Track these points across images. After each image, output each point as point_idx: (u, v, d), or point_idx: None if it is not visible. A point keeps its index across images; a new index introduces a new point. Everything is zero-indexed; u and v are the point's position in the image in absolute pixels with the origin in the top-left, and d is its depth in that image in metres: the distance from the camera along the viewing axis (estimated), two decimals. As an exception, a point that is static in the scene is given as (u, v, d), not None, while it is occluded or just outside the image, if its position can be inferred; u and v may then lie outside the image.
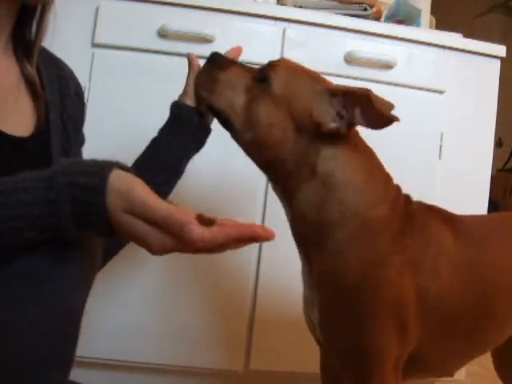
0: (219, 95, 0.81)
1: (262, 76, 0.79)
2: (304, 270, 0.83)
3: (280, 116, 0.76)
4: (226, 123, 0.81)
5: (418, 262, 0.77)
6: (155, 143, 0.97)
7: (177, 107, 0.95)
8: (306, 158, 0.76)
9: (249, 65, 0.85)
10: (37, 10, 0.76)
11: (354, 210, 0.76)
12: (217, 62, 0.84)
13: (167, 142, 0.95)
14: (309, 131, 0.76)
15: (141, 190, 0.53)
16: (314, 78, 0.80)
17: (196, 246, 0.52)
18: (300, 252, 0.83)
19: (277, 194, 0.83)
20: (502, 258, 0.84)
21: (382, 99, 0.73)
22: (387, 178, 0.82)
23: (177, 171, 0.95)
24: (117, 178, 0.54)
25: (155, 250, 0.54)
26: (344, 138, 0.76)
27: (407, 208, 0.81)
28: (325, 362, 0.93)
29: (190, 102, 0.93)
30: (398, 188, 0.83)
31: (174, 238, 0.53)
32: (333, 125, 0.75)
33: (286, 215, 0.83)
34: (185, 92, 0.95)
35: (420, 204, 0.84)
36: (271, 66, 0.80)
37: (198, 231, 0.51)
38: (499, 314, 0.83)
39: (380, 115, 0.71)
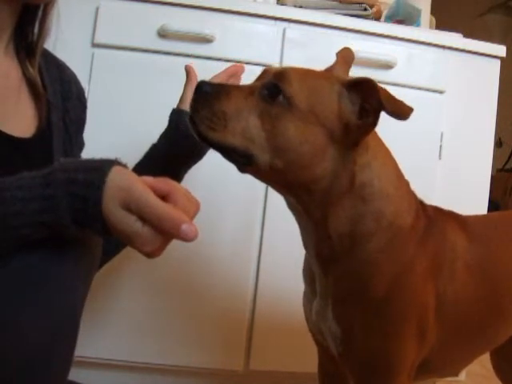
0: (231, 132, 0.67)
1: (272, 92, 0.68)
2: (319, 282, 0.78)
3: (310, 130, 0.68)
4: (245, 161, 0.69)
5: (438, 267, 0.76)
6: (154, 150, 0.97)
7: (175, 115, 0.96)
8: (343, 171, 0.70)
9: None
10: (39, 11, 0.76)
11: (389, 219, 0.72)
12: (209, 92, 0.69)
13: (165, 150, 0.95)
14: (341, 139, 0.69)
15: (140, 187, 0.54)
16: (326, 77, 0.74)
17: (188, 241, 0.52)
18: (317, 269, 0.78)
19: (299, 214, 0.76)
20: (509, 258, 0.84)
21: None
22: (407, 182, 0.79)
23: (175, 180, 0.95)
24: (117, 174, 0.54)
25: (147, 249, 0.54)
26: (371, 141, 0.72)
27: (426, 213, 0.79)
28: (325, 367, 0.92)
29: (188, 109, 0.94)
30: (415, 193, 0.80)
31: (164, 237, 0.53)
32: (358, 121, 0.70)
33: (305, 236, 0.77)
34: (182, 100, 0.96)
35: (433, 207, 0.82)
36: (280, 78, 0.69)
37: (194, 230, 0.52)
38: (507, 311, 0.83)
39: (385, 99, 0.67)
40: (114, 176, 0.53)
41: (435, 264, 0.75)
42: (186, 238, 0.52)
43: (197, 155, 0.99)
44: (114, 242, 0.79)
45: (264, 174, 0.70)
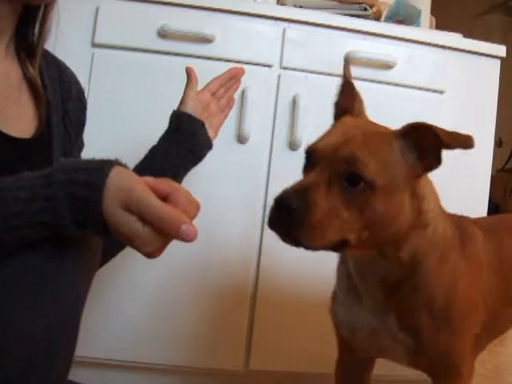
0: (329, 233, 0.69)
1: (353, 181, 0.69)
2: (375, 301, 0.82)
3: (393, 198, 0.72)
4: (343, 245, 0.72)
5: (477, 267, 0.85)
6: (153, 151, 0.97)
7: (175, 116, 0.96)
8: (415, 207, 0.75)
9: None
10: (39, 11, 0.75)
11: (440, 236, 0.80)
12: (287, 202, 0.69)
13: (165, 151, 0.95)
14: (410, 184, 0.74)
15: (140, 187, 0.54)
16: (383, 139, 0.74)
17: (188, 242, 0.53)
18: (373, 291, 0.81)
19: (365, 256, 0.79)
20: None
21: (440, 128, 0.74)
22: (438, 195, 0.84)
23: (176, 178, 0.95)
24: (117, 174, 0.54)
25: (146, 250, 0.54)
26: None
27: (454, 222, 0.86)
28: (344, 366, 0.99)
29: (188, 111, 0.95)
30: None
31: (164, 237, 0.53)
32: (421, 164, 0.74)
33: (368, 269, 0.80)
34: (183, 102, 0.97)
35: (454, 215, 0.90)
36: (351, 164, 0.69)
37: (193, 230, 0.53)
38: None
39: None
40: (115, 176, 0.53)
41: (474, 265, 0.85)
42: (186, 239, 0.53)
43: (197, 157, 0.99)
44: (115, 243, 0.79)
45: (355, 246, 0.73)
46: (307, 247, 0.70)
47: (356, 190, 0.69)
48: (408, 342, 0.81)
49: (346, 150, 0.70)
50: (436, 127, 0.71)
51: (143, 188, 0.54)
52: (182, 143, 0.95)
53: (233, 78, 1.05)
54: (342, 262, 0.88)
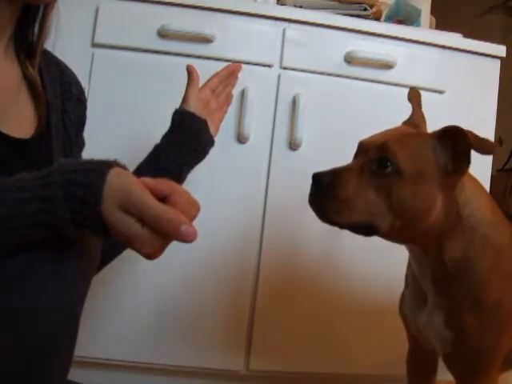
0: (355, 211, 0.76)
1: (381, 165, 0.77)
2: (430, 298, 0.87)
3: (420, 189, 0.77)
4: (371, 230, 0.78)
5: None
6: (157, 150, 0.97)
7: (178, 114, 0.97)
8: (451, 210, 0.79)
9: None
10: (39, 11, 0.75)
11: (492, 242, 0.82)
12: (327, 182, 0.77)
13: (169, 150, 0.96)
14: (444, 185, 0.78)
15: (139, 188, 0.53)
16: (419, 136, 0.82)
17: (187, 242, 0.53)
18: (427, 287, 0.87)
19: (414, 252, 0.85)
20: None
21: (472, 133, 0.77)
22: (494, 201, 0.87)
23: (178, 180, 0.95)
24: (116, 176, 0.54)
25: (146, 251, 0.54)
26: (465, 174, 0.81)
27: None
28: (414, 355, 1.02)
29: (191, 109, 0.95)
30: (498, 207, 0.88)
31: (163, 238, 0.53)
32: (452, 165, 0.78)
33: (421, 265, 0.86)
34: (185, 100, 0.97)
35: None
36: (382, 151, 0.77)
37: (193, 231, 0.52)
38: None
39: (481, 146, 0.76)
40: (113, 177, 0.53)
41: None
42: (185, 239, 0.52)
43: (200, 155, 0.99)
44: (115, 245, 0.79)
45: (388, 234, 0.79)
46: (336, 223, 0.77)
47: (384, 174, 0.76)
48: (448, 338, 0.84)
49: (381, 141, 0.79)
50: (468, 132, 0.76)
51: (141, 189, 0.53)
52: (186, 142, 0.95)
53: (231, 75, 1.06)
54: (409, 267, 0.93)
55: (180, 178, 0.96)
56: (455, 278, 0.82)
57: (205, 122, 0.99)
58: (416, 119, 0.91)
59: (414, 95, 0.94)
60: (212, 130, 1.01)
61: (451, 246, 0.81)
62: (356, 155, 0.83)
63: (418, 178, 0.76)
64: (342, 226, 0.78)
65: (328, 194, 0.76)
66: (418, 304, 0.90)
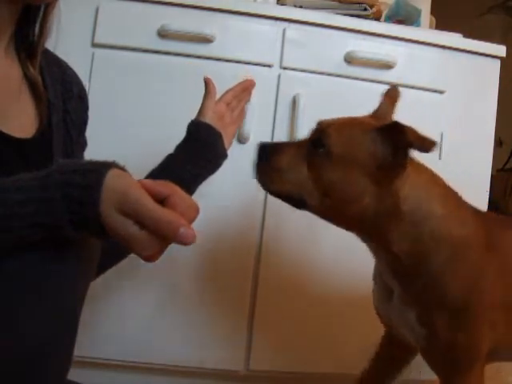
0: (286, 182, 0.82)
1: (316, 144, 0.81)
2: (397, 293, 0.87)
3: (349, 173, 0.79)
4: (300, 204, 0.82)
5: (501, 267, 0.85)
6: (170, 159, 0.97)
7: (194, 125, 0.97)
8: (386, 202, 0.80)
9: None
10: (40, 11, 0.75)
11: (444, 235, 0.82)
12: (267, 152, 0.84)
13: (183, 161, 0.95)
14: (379, 176, 0.79)
15: (137, 190, 0.53)
16: (359, 124, 0.84)
17: (186, 245, 0.52)
18: (392, 282, 0.87)
19: (368, 243, 0.87)
20: None
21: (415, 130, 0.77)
22: (456, 195, 0.88)
23: (188, 190, 0.94)
24: (114, 177, 0.53)
25: (145, 253, 0.54)
26: (409, 168, 0.80)
27: (482, 221, 0.87)
28: (384, 350, 1.02)
29: (208, 121, 0.95)
30: (466, 203, 0.89)
31: (162, 240, 0.53)
32: (391, 158, 0.79)
33: (378, 258, 0.88)
34: (202, 112, 0.97)
35: (484, 213, 0.93)
36: (319, 131, 0.82)
37: (192, 233, 0.52)
38: None
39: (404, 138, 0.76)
40: (111, 179, 0.53)
41: (499, 265, 0.85)
42: (184, 242, 0.52)
43: (213, 166, 1.00)
44: (115, 250, 0.79)
45: (317, 211, 0.83)
46: (267, 188, 0.84)
47: (317, 153, 0.80)
48: (422, 334, 0.84)
49: (322, 125, 0.84)
50: (409, 129, 0.76)
51: (139, 191, 0.53)
52: (201, 153, 0.95)
53: (245, 90, 1.06)
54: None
55: (191, 188, 0.96)
56: (414, 273, 0.82)
57: (220, 135, 0.99)
58: (382, 113, 0.90)
59: (393, 94, 0.94)
60: (226, 143, 1.01)
61: (395, 239, 0.81)
62: (309, 134, 0.86)
63: (348, 164, 0.78)
64: (275, 194, 0.83)
65: (266, 163, 0.83)
66: (387, 299, 0.90)
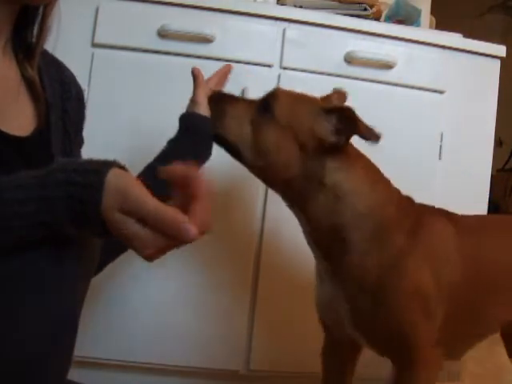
0: (228, 127, 0.88)
1: (265, 106, 0.86)
2: (326, 270, 0.89)
3: (286, 140, 0.84)
4: (235, 153, 0.88)
5: (430, 253, 0.86)
6: (169, 154, 0.95)
7: (189, 117, 0.96)
8: (314, 173, 0.84)
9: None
10: (39, 12, 0.75)
11: (364, 214, 0.84)
12: (222, 99, 0.92)
13: (183, 153, 0.94)
14: (313, 149, 0.83)
15: (137, 189, 0.53)
16: (309, 100, 0.89)
17: (188, 242, 0.52)
18: (317, 255, 0.90)
19: (292, 209, 0.90)
20: (498, 249, 0.95)
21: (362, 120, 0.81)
22: (387, 182, 0.90)
23: None
24: (115, 176, 0.53)
25: (147, 252, 0.53)
26: (343, 149, 0.85)
27: (413, 207, 0.90)
28: (329, 350, 1.01)
29: (201, 111, 0.95)
30: (399, 191, 0.91)
31: (165, 237, 0.53)
32: (332, 138, 0.83)
33: (302, 226, 0.90)
34: (195, 102, 0.96)
35: (423, 205, 0.93)
36: (271, 96, 0.87)
37: (194, 230, 0.52)
38: (500, 296, 0.94)
39: (356, 124, 0.80)
40: (112, 178, 0.53)
41: (428, 251, 0.86)
42: (186, 238, 0.52)
43: (209, 155, 0.98)
44: (113, 246, 0.79)
45: (250, 168, 0.88)
46: (214, 131, 0.90)
47: (263, 114, 0.85)
48: (348, 312, 0.85)
49: (277, 90, 0.89)
50: (358, 117, 0.80)
51: (139, 189, 0.53)
52: (200, 142, 0.95)
53: (226, 75, 1.08)
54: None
55: None
56: (336, 249, 0.84)
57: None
58: (330, 97, 0.97)
59: (340, 96, 1.00)
60: None
61: (315, 209, 0.84)
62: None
63: (287, 133, 0.83)
64: (219, 138, 0.89)
65: (218, 106, 0.90)
66: (320, 280, 0.92)
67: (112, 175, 0.53)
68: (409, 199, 0.92)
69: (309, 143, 0.83)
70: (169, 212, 0.52)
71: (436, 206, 0.95)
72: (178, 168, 0.56)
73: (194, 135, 0.95)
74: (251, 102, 0.91)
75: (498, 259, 0.93)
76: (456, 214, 0.95)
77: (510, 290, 0.94)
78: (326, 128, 0.83)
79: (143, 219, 0.52)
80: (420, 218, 0.88)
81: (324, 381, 1.01)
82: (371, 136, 0.79)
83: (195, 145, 0.95)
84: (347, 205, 0.84)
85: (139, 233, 0.52)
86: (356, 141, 0.85)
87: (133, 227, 0.52)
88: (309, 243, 0.90)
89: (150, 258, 0.54)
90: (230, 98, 0.92)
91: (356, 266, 0.83)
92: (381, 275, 0.82)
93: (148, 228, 0.52)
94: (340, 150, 0.84)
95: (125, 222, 0.52)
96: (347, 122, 0.81)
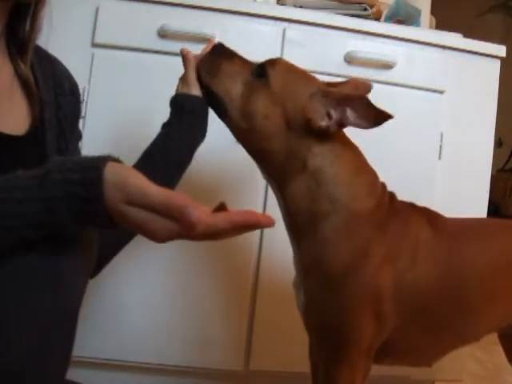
0: (219, 82, 0.86)
1: (261, 72, 0.84)
2: (295, 257, 0.89)
3: (275, 110, 0.82)
4: (221, 110, 0.86)
5: (397, 253, 0.82)
6: (165, 138, 0.94)
7: (182, 99, 0.94)
8: (297, 153, 0.82)
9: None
10: (31, 8, 0.75)
11: (341, 203, 0.82)
12: (220, 52, 0.89)
13: (178, 136, 0.93)
14: (301, 127, 0.81)
15: (137, 179, 0.54)
16: (309, 78, 0.86)
17: (195, 228, 0.52)
18: (291, 240, 0.88)
19: (270, 184, 0.89)
20: (475, 257, 0.88)
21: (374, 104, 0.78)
22: (373, 174, 0.88)
23: (186, 163, 0.95)
24: (112, 171, 0.54)
25: (159, 236, 0.54)
26: (332, 136, 0.82)
27: (392, 204, 0.87)
28: (314, 350, 0.98)
29: (194, 91, 0.92)
30: (383, 185, 0.88)
31: (175, 222, 0.53)
32: (323, 123, 0.80)
33: (279, 205, 0.88)
34: (186, 83, 0.93)
35: (406, 203, 0.90)
36: (270, 63, 0.85)
37: (196, 213, 0.52)
38: (473, 306, 0.87)
39: (378, 113, 0.77)
40: (110, 172, 0.54)
41: (394, 250, 0.82)
42: (192, 221, 0.52)
43: (204, 130, 0.97)
44: (116, 240, 0.79)
45: (234, 131, 0.87)
46: (204, 82, 0.89)
47: (257, 79, 0.84)
48: (303, 304, 0.85)
49: (279, 60, 0.87)
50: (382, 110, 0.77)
51: (139, 179, 0.54)
52: (195, 122, 0.93)
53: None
54: None
55: (189, 161, 0.95)
56: (305, 230, 0.83)
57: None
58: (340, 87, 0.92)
59: (362, 86, 0.94)
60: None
61: (293, 190, 0.83)
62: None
63: (278, 100, 0.82)
64: (207, 91, 0.88)
65: (213, 58, 0.88)
66: (296, 275, 0.90)
67: (110, 169, 0.54)
68: (391, 195, 0.88)
69: (297, 121, 0.81)
70: (171, 195, 0.53)
71: (422, 206, 0.91)
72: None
73: (189, 116, 0.93)
74: (247, 62, 0.88)
75: (473, 267, 0.87)
76: (441, 217, 0.91)
77: (485, 300, 0.87)
78: (318, 110, 0.81)
79: (148, 206, 0.53)
80: (396, 215, 0.85)
81: (312, 381, 0.99)
82: (383, 119, 0.76)
83: (190, 126, 0.94)
84: (326, 192, 0.82)
85: (149, 219, 0.53)
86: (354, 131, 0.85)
87: (140, 215, 0.53)
88: (286, 228, 0.88)
89: (162, 240, 0.55)
90: (227, 53, 0.89)
91: (322, 255, 0.81)
92: (343, 267, 0.79)
93: (155, 214, 0.53)
94: (329, 135, 0.82)
95: (132, 213, 0.53)
96: (345, 110, 0.78)
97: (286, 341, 1.30)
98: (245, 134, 0.85)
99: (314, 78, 0.88)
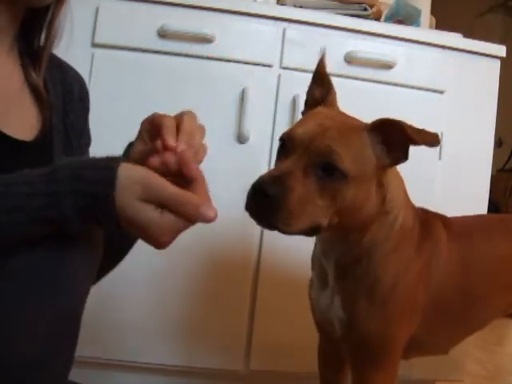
0: (304, 219, 0.74)
1: (328, 170, 0.74)
2: (329, 278, 0.88)
3: (363, 188, 0.78)
4: (316, 230, 0.77)
5: (428, 263, 0.88)
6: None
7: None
8: (380, 196, 0.81)
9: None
10: (47, 17, 0.75)
11: (400, 224, 0.84)
12: (270, 192, 0.73)
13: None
14: (378, 175, 0.80)
15: (157, 178, 0.56)
16: (357, 133, 0.78)
17: (209, 222, 0.55)
18: (329, 269, 0.88)
19: (328, 237, 0.84)
20: (486, 253, 0.96)
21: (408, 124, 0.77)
22: (404, 186, 0.88)
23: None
24: (128, 169, 0.55)
25: (163, 239, 0.55)
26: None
27: (420, 215, 0.90)
28: (324, 349, 1.02)
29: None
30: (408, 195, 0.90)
31: (183, 220, 0.55)
32: (390, 159, 0.79)
33: (331, 249, 0.86)
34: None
35: (421, 209, 0.93)
36: (328, 155, 0.74)
37: (213, 210, 0.56)
38: (484, 299, 0.95)
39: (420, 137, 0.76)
40: (125, 171, 0.55)
41: (427, 261, 0.87)
42: (206, 219, 0.55)
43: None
44: (116, 252, 0.79)
45: (325, 230, 0.78)
46: (283, 232, 0.75)
47: (330, 180, 0.74)
48: (343, 319, 0.86)
49: (323, 142, 0.75)
50: (404, 124, 0.75)
51: (159, 177, 0.56)
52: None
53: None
54: (315, 249, 0.94)
55: None
56: (359, 260, 0.84)
57: None
58: (331, 100, 0.88)
59: (327, 79, 0.91)
60: None
61: (372, 229, 0.82)
62: (290, 151, 0.77)
63: (360, 178, 0.77)
64: (289, 234, 0.75)
65: (275, 205, 0.72)
66: (322, 286, 0.91)
67: (125, 169, 0.55)
68: (423, 210, 0.92)
69: (375, 172, 0.79)
70: (188, 195, 0.56)
71: (429, 209, 0.96)
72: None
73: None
74: (300, 172, 0.74)
75: (484, 260, 0.94)
76: (448, 218, 0.96)
77: (493, 291, 0.95)
78: (380, 151, 0.78)
79: (164, 204, 0.54)
80: (423, 227, 0.88)
81: (321, 381, 1.02)
82: (430, 140, 0.76)
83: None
84: (392, 218, 0.83)
85: (158, 218, 0.54)
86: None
87: (151, 213, 0.54)
88: (327, 261, 0.88)
89: (164, 244, 0.56)
90: (276, 185, 0.72)
91: (372, 275, 0.84)
92: (391, 284, 0.83)
93: (167, 212, 0.55)
94: (406, 159, 0.80)
95: (145, 210, 0.54)
96: (396, 135, 0.76)
97: (286, 341, 1.30)
98: (337, 226, 0.78)
99: (351, 123, 0.81)
